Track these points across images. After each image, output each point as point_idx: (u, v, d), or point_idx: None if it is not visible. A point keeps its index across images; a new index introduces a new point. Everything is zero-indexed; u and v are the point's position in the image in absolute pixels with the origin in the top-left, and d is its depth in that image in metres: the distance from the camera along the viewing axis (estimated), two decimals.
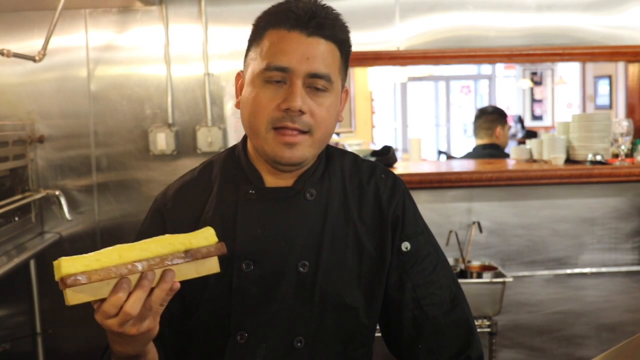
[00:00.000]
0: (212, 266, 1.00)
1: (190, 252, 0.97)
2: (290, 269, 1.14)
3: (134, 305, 0.91)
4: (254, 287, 1.13)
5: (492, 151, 3.72)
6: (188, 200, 1.21)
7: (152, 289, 0.93)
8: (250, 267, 1.13)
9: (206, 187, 1.22)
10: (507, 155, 3.66)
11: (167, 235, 0.99)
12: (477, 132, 3.87)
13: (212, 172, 1.24)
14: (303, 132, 1.10)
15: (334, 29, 1.11)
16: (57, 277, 0.90)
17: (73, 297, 0.89)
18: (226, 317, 1.14)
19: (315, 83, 1.10)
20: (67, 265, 0.89)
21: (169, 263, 0.95)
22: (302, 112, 1.08)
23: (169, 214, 1.20)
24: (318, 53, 1.09)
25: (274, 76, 1.09)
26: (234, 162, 1.22)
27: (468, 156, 3.86)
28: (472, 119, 4.01)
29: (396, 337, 1.23)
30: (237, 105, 1.19)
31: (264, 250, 1.14)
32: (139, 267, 0.92)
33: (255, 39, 1.15)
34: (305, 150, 1.12)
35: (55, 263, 0.91)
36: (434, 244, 1.26)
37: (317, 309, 1.14)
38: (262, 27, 1.13)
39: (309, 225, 1.16)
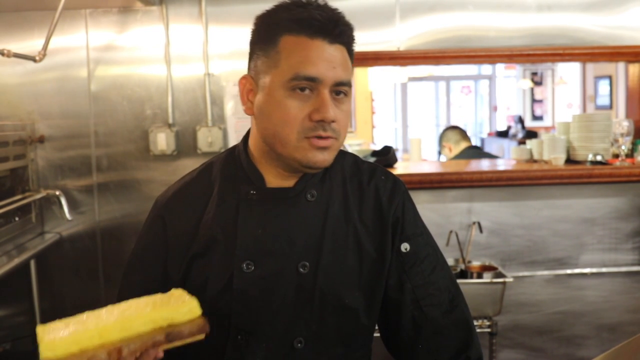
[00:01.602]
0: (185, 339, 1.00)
1: (172, 334, 0.96)
2: (291, 269, 1.14)
3: None
4: (254, 288, 1.13)
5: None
6: (189, 201, 1.21)
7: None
8: (251, 268, 1.13)
9: (206, 188, 1.22)
10: None
11: (148, 308, 0.97)
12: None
13: (212, 172, 1.24)
14: (334, 137, 1.11)
15: (349, 34, 1.13)
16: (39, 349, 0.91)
17: None
18: (227, 317, 1.14)
19: (340, 90, 1.10)
20: (46, 350, 0.89)
21: (150, 346, 0.94)
22: (333, 121, 1.09)
23: (170, 217, 1.20)
24: (341, 60, 1.10)
25: (302, 87, 1.08)
26: (234, 162, 1.22)
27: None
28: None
29: (395, 338, 1.23)
30: (249, 112, 1.17)
31: (265, 251, 1.14)
32: (123, 352, 0.92)
33: (265, 43, 1.12)
34: (333, 154, 1.14)
35: (38, 334, 0.91)
36: (433, 246, 1.26)
37: (317, 309, 1.15)
38: (274, 31, 1.11)
39: (310, 226, 1.16)
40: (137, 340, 0.93)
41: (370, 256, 1.19)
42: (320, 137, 1.09)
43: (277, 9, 1.13)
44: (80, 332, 0.91)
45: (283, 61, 1.09)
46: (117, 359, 0.92)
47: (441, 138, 4.17)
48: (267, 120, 1.12)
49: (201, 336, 0.99)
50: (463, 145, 4.01)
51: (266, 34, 1.12)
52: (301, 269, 1.14)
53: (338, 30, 1.09)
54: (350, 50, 1.14)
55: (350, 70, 1.13)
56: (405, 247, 1.21)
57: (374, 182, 1.23)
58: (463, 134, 4.10)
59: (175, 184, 1.26)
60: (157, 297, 1.01)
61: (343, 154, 1.26)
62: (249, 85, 1.16)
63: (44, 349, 0.89)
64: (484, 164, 3.27)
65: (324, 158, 1.11)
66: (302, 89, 1.08)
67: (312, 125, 1.08)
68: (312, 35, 1.08)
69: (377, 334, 1.25)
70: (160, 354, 0.95)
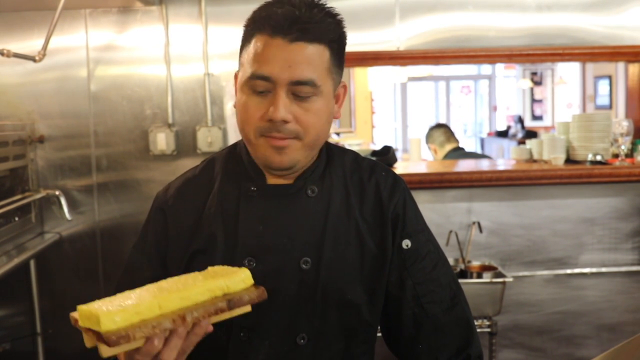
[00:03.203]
0: (244, 307, 0.98)
1: (233, 301, 0.95)
2: (293, 265, 1.14)
3: (171, 353, 0.91)
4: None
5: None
6: (190, 197, 1.21)
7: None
8: (253, 264, 1.13)
9: (208, 184, 1.22)
10: None
11: (202, 279, 0.96)
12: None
13: (214, 169, 1.24)
14: (292, 137, 1.10)
15: (319, 31, 1.07)
16: (89, 326, 0.86)
17: (108, 350, 0.87)
18: None
19: (299, 91, 1.08)
20: (108, 322, 0.84)
21: (212, 313, 0.93)
22: (286, 122, 1.08)
23: (171, 211, 1.21)
24: (302, 59, 1.07)
25: (258, 86, 1.08)
26: (236, 159, 1.23)
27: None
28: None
29: (396, 335, 1.23)
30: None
31: (266, 247, 1.14)
32: (187, 318, 0.90)
33: (244, 41, 1.14)
34: (295, 154, 1.12)
35: (85, 310, 0.86)
36: (434, 243, 1.26)
37: (319, 305, 1.15)
38: (250, 30, 1.12)
39: (311, 222, 1.16)
40: (200, 308, 0.91)
41: (372, 252, 1.19)
42: (274, 137, 1.10)
43: (259, 7, 1.13)
44: (138, 304, 0.88)
45: (247, 60, 1.10)
46: (181, 325, 0.90)
47: (427, 138, 4.10)
48: (237, 117, 1.15)
49: (249, 308, 0.98)
50: (448, 147, 3.95)
51: (245, 33, 1.14)
52: (303, 265, 1.14)
53: (296, 27, 1.05)
54: (329, 46, 1.10)
55: (321, 68, 1.09)
56: (406, 243, 1.21)
57: (374, 178, 1.23)
58: (449, 135, 4.01)
59: (177, 180, 1.26)
60: (201, 273, 1.00)
61: (343, 151, 1.27)
62: (237, 83, 1.18)
63: (105, 320, 0.84)
64: (484, 164, 3.27)
65: (281, 159, 1.11)
66: (262, 92, 1.08)
67: (267, 126, 1.09)
68: (272, 34, 1.07)
69: (378, 333, 1.25)
70: (210, 328, 0.94)
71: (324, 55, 1.10)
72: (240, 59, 1.16)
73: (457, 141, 4.02)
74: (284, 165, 1.12)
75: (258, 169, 1.18)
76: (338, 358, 1.18)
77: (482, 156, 4.00)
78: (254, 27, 1.10)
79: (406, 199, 1.23)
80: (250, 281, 0.99)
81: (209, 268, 1.02)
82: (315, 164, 1.20)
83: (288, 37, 1.06)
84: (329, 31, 1.10)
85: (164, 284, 0.96)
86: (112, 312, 0.85)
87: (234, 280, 0.97)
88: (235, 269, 1.00)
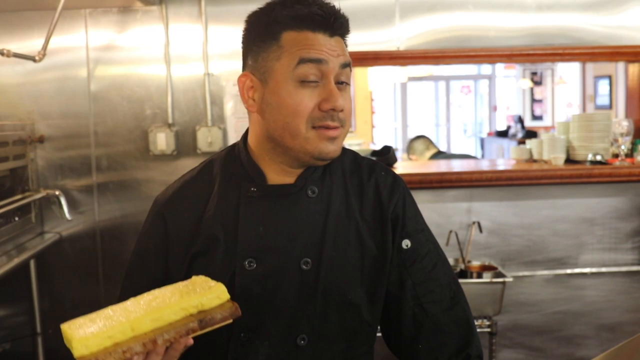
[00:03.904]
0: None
1: (205, 320, 0.95)
2: (293, 266, 1.14)
3: None
4: (256, 285, 1.13)
5: None
6: (189, 199, 1.21)
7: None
8: (253, 265, 1.13)
9: (207, 185, 1.22)
10: None
11: (176, 296, 0.97)
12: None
13: (213, 170, 1.24)
14: (341, 126, 1.14)
15: (347, 27, 1.16)
16: (69, 347, 0.89)
17: None
18: None
19: (343, 75, 1.13)
20: (80, 347, 0.87)
21: (184, 334, 0.93)
22: (342, 110, 1.12)
23: (170, 215, 1.20)
24: (342, 50, 1.14)
25: (309, 74, 1.10)
26: (235, 160, 1.22)
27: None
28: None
29: (396, 335, 1.23)
30: (252, 109, 1.16)
31: (267, 248, 1.14)
32: (158, 341, 0.91)
33: (264, 40, 1.13)
34: (341, 143, 1.16)
35: (65, 331, 0.90)
36: (434, 242, 1.26)
37: (320, 306, 1.15)
38: (274, 28, 1.12)
39: (311, 222, 1.16)
40: (171, 329, 0.92)
41: (372, 252, 1.19)
42: (328, 128, 1.11)
43: (273, 7, 1.13)
44: (111, 326, 0.90)
45: (286, 53, 1.11)
46: (152, 349, 0.91)
47: (407, 150, 4.38)
48: (275, 113, 1.12)
49: (230, 320, 0.99)
50: (427, 154, 4.18)
51: (266, 31, 1.13)
52: (303, 266, 1.14)
53: (338, 23, 1.13)
54: (345, 42, 1.18)
55: (349, 59, 1.17)
56: (406, 243, 1.21)
57: (373, 178, 1.23)
58: (427, 143, 4.28)
59: (175, 183, 1.26)
60: (181, 285, 1.01)
61: (343, 151, 1.26)
62: (249, 82, 1.16)
63: (78, 346, 0.87)
64: (484, 164, 3.27)
65: (335, 148, 1.14)
66: (310, 82, 1.10)
67: (321, 115, 1.11)
68: (314, 30, 1.11)
69: (378, 334, 1.25)
70: (190, 341, 0.95)
71: (345, 47, 1.17)
72: (255, 59, 1.14)
73: (436, 148, 4.28)
74: (337, 154, 1.15)
75: (258, 169, 1.18)
76: (338, 358, 1.18)
77: (464, 156, 4.11)
78: (280, 26, 1.12)
79: (406, 199, 1.24)
80: (226, 296, 0.98)
81: (193, 278, 1.03)
82: None
83: (329, 32, 1.12)
84: (348, 27, 1.17)
85: (145, 298, 0.98)
86: (84, 338, 0.88)
87: (208, 297, 0.97)
88: (212, 283, 1.00)
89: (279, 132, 1.13)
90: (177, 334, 0.92)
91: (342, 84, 1.14)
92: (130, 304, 0.96)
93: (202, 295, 0.96)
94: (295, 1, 1.12)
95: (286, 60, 1.10)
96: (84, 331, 0.89)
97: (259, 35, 1.14)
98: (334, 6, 1.14)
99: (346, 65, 1.14)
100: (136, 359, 0.90)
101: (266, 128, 1.15)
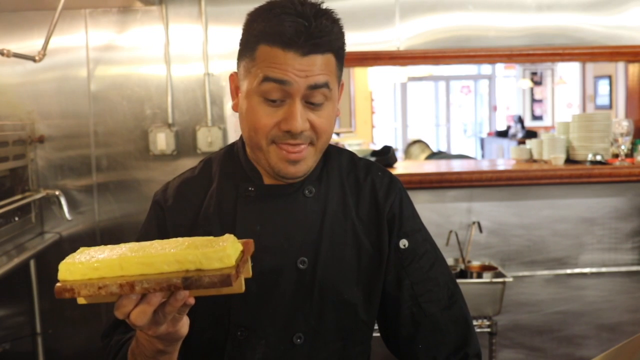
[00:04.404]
0: (237, 285, 0.89)
1: (191, 279, 0.84)
2: (290, 265, 1.15)
3: (138, 317, 0.87)
4: (253, 284, 1.13)
5: None
6: (187, 197, 1.22)
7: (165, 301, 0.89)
8: (250, 264, 1.13)
9: (205, 184, 1.22)
10: None
11: (180, 246, 0.89)
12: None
13: (211, 169, 1.24)
14: (306, 143, 1.11)
15: (329, 42, 1.08)
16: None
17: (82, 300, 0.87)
18: (226, 313, 1.14)
19: (313, 97, 1.08)
20: (64, 272, 0.86)
21: (165, 288, 0.85)
22: (303, 131, 1.09)
23: (169, 211, 1.21)
24: (315, 68, 1.07)
25: (272, 94, 1.07)
26: (233, 159, 1.23)
27: None
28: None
29: (394, 334, 1.24)
30: (235, 108, 1.17)
31: (264, 247, 1.14)
32: (136, 287, 0.84)
33: (246, 48, 1.12)
34: (309, 162, 1.13)
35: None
36: (431, 242, 1.26)
37: (316, 305, 1.15)
38: (253, 39, 1.10)
39: (308, 222, 1.17)
40: (152, 279, 0.85)
41: (368, 252, 1.19)
42: (289, 147, 1.09)
43: (256, 16, 1.12)
44: (101, 260, 0.87)
45: (256, 67, 1.08)
46: (128, 293, 0.85)
47: (404, 155, 4.81)
48: (243, 123, 1.14)
49: (241, 288, 0.91)
50: (422, 157, 4.47)
51: (246, 41, 1.13)
52: (300, 265, 1.15)
53: (310, 43, 1.05)
54: (335, 54, 1.11)
55: (331, 74, 1.10)
56: (403, 243, 1.21)
57: (370, 178, 1.23)
58: (423, 147, 4.67)
59: (175, 180, 1.27)
60: (199, 240, 0.92)
61: (339, 151, 1.27)
62: (236, 82, 1.17)
63: (62, 270, 0.86)
64: (484, 164, 3.27)
65: (296, 170, 1.12)
66: (273, 100, 1.07)
67: (282, 134, 1.09)
68: (284, 47, 1.06)
69: (377, 334, 1.26)
70: (192, 300, 0.88)
71: (332, 62, 1.10)
72: (240, 64, 1.14)
73: (431, 150, 4.72)
74: (299, 175, 1.13)
75: (255, 169, 1.19)
76: (335, 357, 1.18)
77: (458, 156, 4.28)
78: (258, 38, 1.08)
79: (402, 199, 1.24)
80: (229, 263, 0.87)
81: (207, 238, 0.94)
82: None
83: (300, 51, 1.05)
84: (337, 40, 1.11)
85: (149, 242, 0.93)
86: (70, 264, 0.86)
87: (209, 257, 0.86)
88: (223, 244, 0.89)
89: (247, 140, 1.15)
90: (157, 285, 0.84)
91: (315, 104, 1.09)
92: (133, 245, 0.92)
93: (202, 254, 0.86)
94: (277, 13, 1.07)
95: (254, 74, 1.08)
96: (73, 259, 0.88)
97: (243, 43, 1.14)
98: (317, 17, 1.07)
99: (318, 87, 1.07)
100: (126, 303, 0.86)
101: (242, 133, 1.17)
